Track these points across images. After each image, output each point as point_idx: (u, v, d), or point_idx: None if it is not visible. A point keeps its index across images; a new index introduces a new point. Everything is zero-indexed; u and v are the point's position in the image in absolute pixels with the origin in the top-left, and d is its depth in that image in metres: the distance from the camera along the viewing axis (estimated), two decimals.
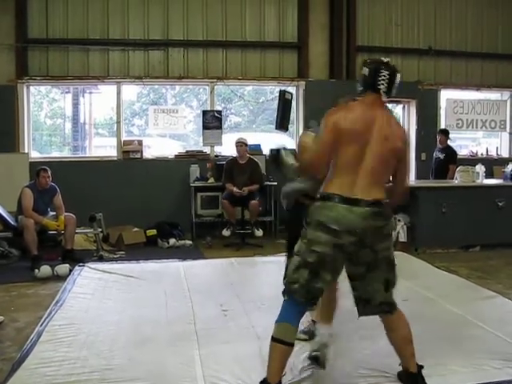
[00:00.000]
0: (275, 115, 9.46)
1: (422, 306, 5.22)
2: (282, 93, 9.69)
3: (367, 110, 3.26)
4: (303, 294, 3.22)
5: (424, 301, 5.39)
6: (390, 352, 3.54)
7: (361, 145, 3.18)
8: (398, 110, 12.24)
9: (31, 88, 10.06)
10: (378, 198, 3.18)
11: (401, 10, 11.03)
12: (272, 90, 11.06)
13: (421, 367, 3.50)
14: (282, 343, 3.19)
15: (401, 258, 7.19)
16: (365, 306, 3.43)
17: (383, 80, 3.24)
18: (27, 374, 3.61)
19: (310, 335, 4.12)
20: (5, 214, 7.89)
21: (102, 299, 5.48)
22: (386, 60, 3.36)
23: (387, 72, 3.26)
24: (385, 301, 3.37)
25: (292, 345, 3.23)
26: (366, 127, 3.20)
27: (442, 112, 11.27)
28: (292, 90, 10.28)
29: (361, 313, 3.48)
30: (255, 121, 11.80)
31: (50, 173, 7.85)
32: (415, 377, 3.46)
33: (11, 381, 3.50)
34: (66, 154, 11.04)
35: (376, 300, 3.36)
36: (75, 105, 11.27)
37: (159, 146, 10.84)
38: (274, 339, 3.22)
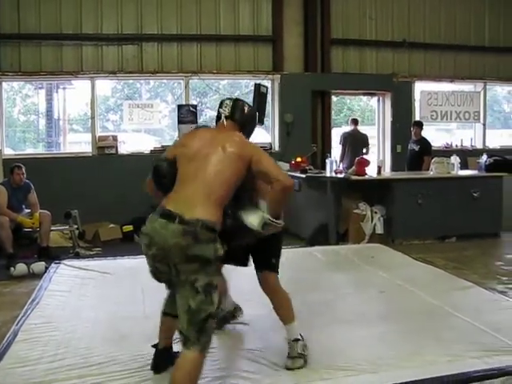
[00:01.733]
0: None
1: (399, 297, 5.26)
2: (257, 86, 9.61)
3: (206, 132, 3.46)
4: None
5: (401, 292, 5.41)
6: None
7: (196, 157, 3.24)
8: (372, 102, 12.36)
9: (4, 84, 9.93)
10: (197, 218, 3.01)
11: (375, 3, 11.13)
12: (247, 83, 11.06)
13: None
14: (163, 314, 3.56)
15: (378, 250, 7.36)
16: None
17: (224, 109, 3.52)
18: (3, 373, 3.56)
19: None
20: None
21: (78, 296, 5.43)
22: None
23: (229, 100, 3.58)
24: (182, 330, 3.04)
25: (172, 315, 3.39)
26: (201, 140, 3.33)
27: (417, 104, 11.36)
28: (267, 83, 10.26)
29: None
30: None
31: (24, 169, 7.77)
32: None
33: None
34: (40, 150, 10.93)
35: (179, 322, 3.08)
36: (49, 100, 11.14)
37: (134, 142, 10.78)
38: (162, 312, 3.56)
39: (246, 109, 3.56)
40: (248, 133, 3.60)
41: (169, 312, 3.50)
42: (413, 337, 4.15)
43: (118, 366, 3.68)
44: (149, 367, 3.62)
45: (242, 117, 3.53)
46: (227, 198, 3.18)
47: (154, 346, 3.64)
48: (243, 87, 11.45)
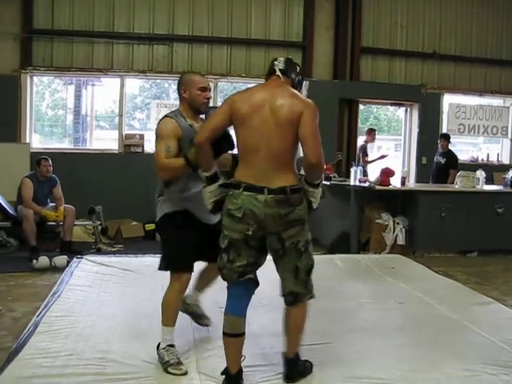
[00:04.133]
0: None
1: (419, 309, 5.24)
2: None
3: (260, 91, 3.39)
4: (228, 276, 3.43)
5: (420, 304, 5.39)
6: None
7: (254, 127, 3.26)
8: (399, 112, 12.31)
9: (34, 78, 10.05)
10: (283, 186, 3.22)
11: (406, 12, 11.06)
12: None
13: (297, 355, 3.61)
14: (231, 336, 3.43)
15: (399, 261, 7.32)
16: (281, 290, 3.51)
17: (278, 63, 3.45)
18: (23, 364, 3.61)
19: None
20: (4, 204, 7.90)
21: (99, 292, 5.48)
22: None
23: (281, 59, 3.49)
24: (292, 290, 3.41)
25: (242, 334, 3.44)
26: (257, 107, 3.28)
27: (445, 116, 11.27)
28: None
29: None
30: None
31: (50, 162, 7.85)
32: (288, 362, 3.58)
33: (7, 371, 3.49)
34: (66, 145, 11.03)
35: (285, 288, 3.44)
36: (77, 96, 11.25)
37: None
38: (224, 333, 3.45)
39: (298, 68, 3.52)
40: (298, 86, 3.53)
41: (237, 333, 3.44)
42: (430, 350, 4.13)
43: (136, 362, 3.72)
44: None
45: (295, 74, 3.47)
46: (295, 155, 3.32)
47: (223, 373, 3.46)
48: None
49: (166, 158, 3.73)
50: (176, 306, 3.89)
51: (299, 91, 3.44)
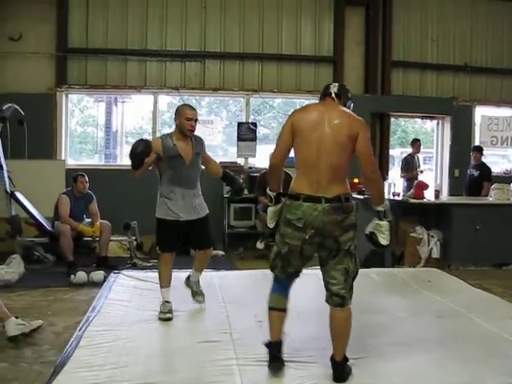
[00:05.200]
0: None
1: (457, 323, 5.18)
2: None
3: (318, 110, 3.74)
4: (282, 275, 3.86)
5: (459, 318, 5.33)
6: None
7: (314, 142, 3.61)
8: (427, 125, 12.25)
9: (69, 96, 10.24)
10: (338, 194, 3.56)
11: (437, 25, 11.06)
12: (302, 102, 11.11)
13: (346, 359, 3.80)
14: (275, 310, 3.88)
15: (434, 274, 7.27)
16: (326, 292, 3.77)
17: (333, 87, 3.87)
18: (67, 377, 3.67)
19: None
20: (42, 220, 8.02)
21: (138, 306, 5.52)
22: None
23: (336, 84, 3.95)
24: (339, 293, 3.66)
25: (284, 310, 3.89)
26: (316, 125, 3.63)
27: (477, 128, 11.20)
28: None
29: (326, 299, 3.80)
30: None
31: (87, 178, 7.97)
32: (337, 364, 3.77)
33: None
34: (96, 161, 11.17)
35: (333, 289, 3.68)
36: (108, 113, 11.43)
37: None
38: (269, 308, 3.90)
39: (349, 93, 3.96)
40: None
41: (278, 307, 3.88)
42: (471, 363, 4.09)
43: (178, 376, 3.75)
44: (208, 379, 3.67)
45: (347, 98, 3.90)
46: (348, 168, 3.67)
47: (268, 344, 3.88)
48: (297, 105, 11.51)
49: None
50: (164, 272, 5.35)
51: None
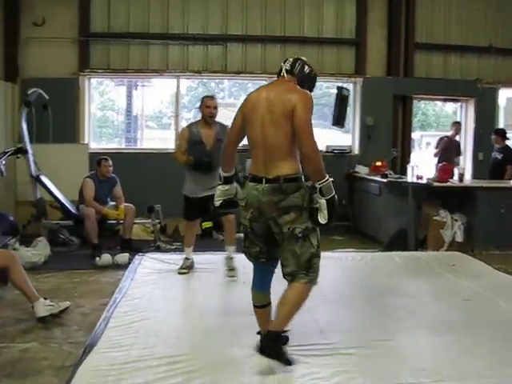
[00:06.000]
0: (332, 111, 9.50)
1: (484, 306, 5.15)
2: (340, 89, 9.68)
3: (264, 90, 3.74)
4: (249, 257, 3.87)
5: (485, 302, 5.29)
6: None
7: (256, 123, 3.61)
8: (447, 107, 12.12)
9: (92, 80, 10.28)
10: (278, 175, 3.50)
11: (461, 6, 10.83)
12: (321, 85, 11.07)
13: (281, 333, 3.57)
14: (258, 307, 3.85)
15: (459, 258, 7.24)
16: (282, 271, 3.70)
17: (285, 64, 3.79)
18: (99, 357, 3.73)
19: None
20: (67, 203, 8.09)
21: (163, 288, 5.58)
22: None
23: (290, 59, 3.82)
24: (290, 273, 3.60)
25: (267, 305, 3.83)
26: (258, 106, 3.62)
27: (501, 111, 11.07)
28: (349, 86, 10.28)
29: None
30: None
31: (110, 162, 8.02)
32: (267, 335, 3.60)
33: (84, 364, 3.61)
34: (116, 145, 11.21)
35: (286, 269, 3.62)
36: (129, 97, 11.45)
37: None
38: (253, 305, 3.87)
39: (306, 67, 3.81)
40: (307, 88, 3.77)
41: (260, 304, 3.84)
42: (501, 347, 4.08)
43: (207, 357, 3.78)
44: (237, 360, 3.71)
45: (301, 73, 3.77)
46: (294, 147, 3.54)
47: (258, 332, 3.76)
48: (317, 89, 11.42)
49: (176, 152, 6.37)
50: (187, 235, 6.48)
51: (307, 87, 3.75)
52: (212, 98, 6.19)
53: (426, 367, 3.70)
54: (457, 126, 10.47)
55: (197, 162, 6.12)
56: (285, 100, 3.51)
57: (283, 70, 3.75)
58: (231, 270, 6.05)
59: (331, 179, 3.51)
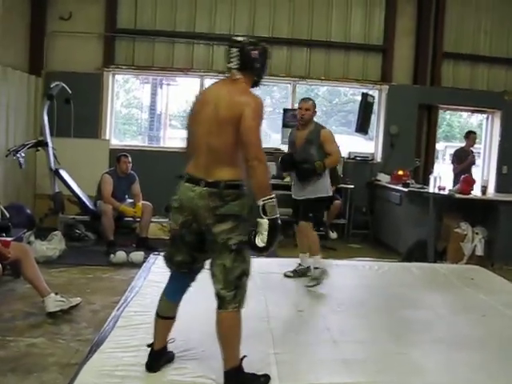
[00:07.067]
0: (356, 118, 9.40)
1: (502, 323, 5.00)
2: (365, 95, 9.59)
3: (210, 90, 3.51)
4: (169, 264, 3.57)
5: (503, 318, 5.15)
6: None
7: (199, 123, 3.35)
8: (473, 119, 11.95)
9: (116, 76, 10.29)
10: (220, 179, 3.23)
11: (491, 17, 10.71)
12: (346, 91, 10.98)
13: (237, 368, 3.37)
14: (162, 318, 3.57)
15: (478, 272, 7.08)
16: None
17: (233, 57, 3.37)
18: (105, 356, 3.66)
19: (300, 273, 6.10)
20: (84, 199, 8.08)
21: None
22: (235, 38, 3.50)
23: (235, 48, 3.39)
24: (218, 292, 3.30)
25: (172, 318, 3.59)
26: (203, 106, 3.37)
27: None
28: (374, 93, 10.17)
29: None
30: (328, 122, 11.72)
31: (130, 159, 7.99)
32: (225, 376, 3.38)
33: (89, 362, 3.55)
34: (140, 142, 11.21)
35: (214, 285, 3.33)
36: (153, 95, 11.46)
37: None
38: (156, 314, 3.59)
39: (252, 53, 3.41)
40: (258, 75, 3.51)
41: (166, 315, 3.58)
42: None
43: (216, 364, 3.70)
44: (245, 366, 3.63)
45: (252, 69, 3.43)
46: (238, 152, 3.27)
47: (149, 345, 3.59)
48: (342, 95, 11.36)
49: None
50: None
51: (259, 74, 3.48)
52: (303, 100, 6.03)
53: (438, 382, 3.60)
54: (471, 136, 9.78)
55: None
56: (233, 103, 3.24)
57: (231, 68, 3.38)
58: (307, 273, 6.03)
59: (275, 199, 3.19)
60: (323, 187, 5.89)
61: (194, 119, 3.42)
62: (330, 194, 6.06)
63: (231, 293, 3.26)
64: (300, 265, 6.19)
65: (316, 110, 5.97)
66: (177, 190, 3.43)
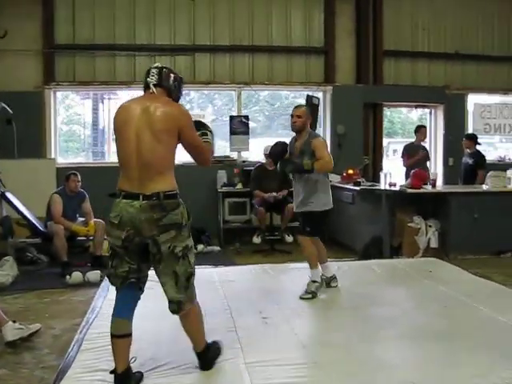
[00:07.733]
0: None
1: (464, 312, 5.12)
2: (309, 97, 9.64)
3: (135, 105, 3.53)
4: (114, 282, 3.58)
5: (465, 307, 5.26)
6: None
7: (129, 139, 3.42)
8: (417, 114, 12.20)
9: (57, 93, 10.08)
10: (158, 191, 3.36)
11: (427, 14, 10.96)
12: (287, 95, 11.07)
13: (206, 346, 3.79)
14: (118, 337, 3.53)
15: (435, 264, 7.22)
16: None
17: (151, 78, 3.60)
18: (73, 382, 3.57)
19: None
20: (34, 220, 7.87)
21: (138, 306, 5.40)
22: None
23: (154, 71, 3.63)
24: (173, 298, 3.50)
25: (129, 335, 3.56)
26: (130, 121, 3.45)
27: (470, 116, 11.14)
28: (319, 94, 10.24)
29: None
30: (271, 126, 11.75)
31: (79, 177, 7.83)
32: (199, 355, 3.77)
33: None
34: (83, 159, 11.02)
35: (168, 295, 3.52)
36: (95, 110, 11.28)
37: (182, 151, 10.76)
38: (112, 335, 3.53)
39: (172, 75, 3.66)
40: (176, 98, 3.71)
41: (121, 333, 3.54)
42: (483, 354, 4.01)
43: (187, 378, 3.64)
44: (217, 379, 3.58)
45: (169, 84, 3.64)
46: (173, 163, 3.50)
47: (112, 372, 3.53)
48: (283, 98, 11.41)
49: None
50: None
51: (176, 97, 3.71)
52: (295, 107, 5.95)
53: (412, 379, 3.60)
54: (422, 130, 9.83)
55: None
56: (165, 116, 3.41)
57: (151, 86, 3.58)
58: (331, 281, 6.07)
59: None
60: (319, 201, 5.78)
61: (120, 136, 3.50)
62: (327, 208, 5.88)
63: (184, 295, 3.50)
64: (323, 275, 5.98)
65: (309, 116, 5.91)
66: (112, 208, 3.47)
